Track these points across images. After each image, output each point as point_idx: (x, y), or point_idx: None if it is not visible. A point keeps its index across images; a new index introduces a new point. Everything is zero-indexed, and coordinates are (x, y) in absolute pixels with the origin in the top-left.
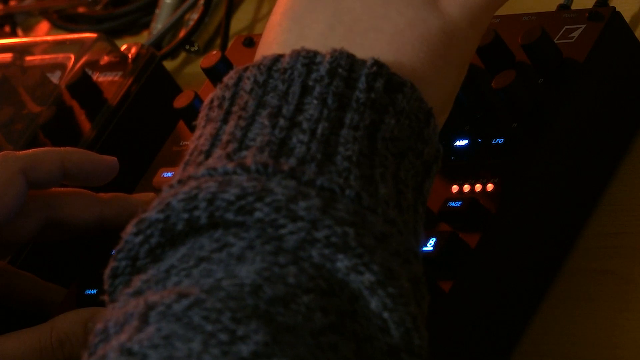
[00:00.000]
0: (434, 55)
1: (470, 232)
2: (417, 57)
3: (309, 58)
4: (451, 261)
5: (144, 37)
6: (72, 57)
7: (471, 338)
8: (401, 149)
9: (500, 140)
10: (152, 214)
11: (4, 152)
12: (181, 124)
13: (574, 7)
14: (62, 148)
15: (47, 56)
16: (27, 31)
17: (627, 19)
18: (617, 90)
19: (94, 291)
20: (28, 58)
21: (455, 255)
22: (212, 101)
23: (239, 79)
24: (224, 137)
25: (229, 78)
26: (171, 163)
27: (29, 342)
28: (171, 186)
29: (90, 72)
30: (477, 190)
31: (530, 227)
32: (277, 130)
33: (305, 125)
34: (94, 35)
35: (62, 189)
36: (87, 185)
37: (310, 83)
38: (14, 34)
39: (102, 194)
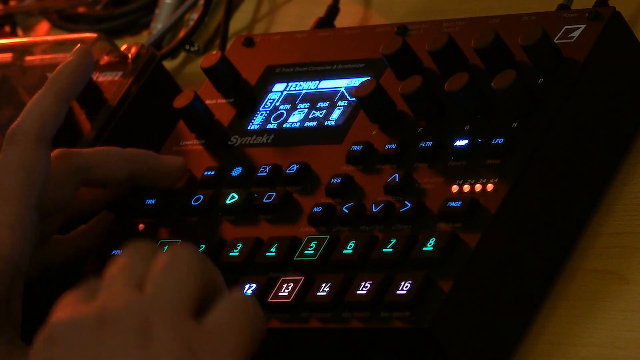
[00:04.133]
0: None
1: (470, 232)
2: None
3: None
4: (451, 261)
5: (144, 37)
6: None
7: (471, 338)
8: None
9: (500, 140)
10: None
11: (10, 129)
12: (181, 124)
13: (574, 7)
14: (49, 83)
15: (47, 56)
16: (27, 31)
17: (627, 19)
18: (617, 90)
19: None
20: (28, 58)
21: (455, 255)
22: None
23: None
24: None
25: None
26: None
27: None
28: None
29: None
30: (477, 190)
31: (530, 227)
32: None
33: None
34: (94, 35)
35: (92, 149)
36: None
37: None
38: (14, 34)
39: (131, 150)
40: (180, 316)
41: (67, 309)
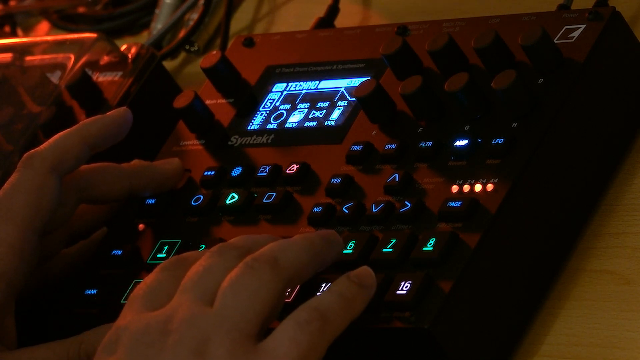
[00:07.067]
0: None
1: (470, 232)
2: None
3: None
4: (451, 261)
5: (144, 37)
6: (72, 57)
7: (471, 338)
8: None
9: (500, 140)
10: None
11: (28, 153)
12: (181, 124)
13: (574, 7)
14: (79, 125)
15: (47, 56)
16: (27, 31)
17: (627, 19)
18: (617, 90)
19: (94, 291)
20: (28, 58)
21: (455, 255)
22: None
23: None
24: None
25: None
26: None
27: (58, 352)
28: None
29: (90, 72)
30: (477, 190)
31: (530, 227)
32: None
33: None
34: (94, 35)
35: (89, 166)
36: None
37: None
38: (14, 34)
39: (126, 165)
40: (239, 338)
41: (137, 314)
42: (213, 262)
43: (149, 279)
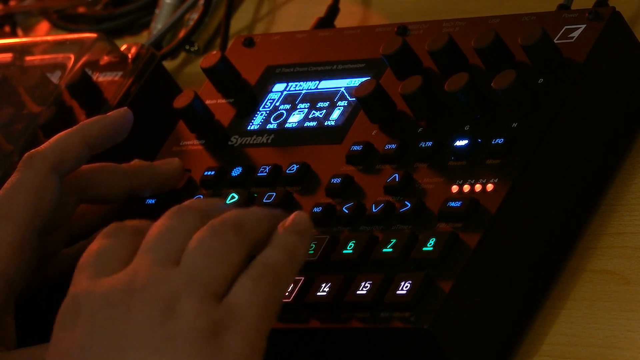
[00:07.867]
0: None
1: (470, 232)
2: None
3: None
4: (451, 261)
5: (144, 37)
6: (72, 57)
7: (471, 338)
8: None
9: (500, 140)
10: None
11: (29, 153)
12: (181, 124)
13: (574, 7)
14: (80, 126)
15: (47, 56)
16: (27, 31)
17: (627, 19)
18: (617, 90)
19: None
20: (28, 58)
21: (455, 255)
22: None
23: None
24: None
25: None
26: None
27: (40, 358)
28: None
29: (90, 72)
30: (477, 190)
31: (530, 227)
32: None
33: None
34: (94, 35)
35: (90, 166)
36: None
37: None
38: (14, 34)
39: (126, 165)
40: (208, 296)
41: (93, 280)
42: (174, 223)
43: (94, 247)
